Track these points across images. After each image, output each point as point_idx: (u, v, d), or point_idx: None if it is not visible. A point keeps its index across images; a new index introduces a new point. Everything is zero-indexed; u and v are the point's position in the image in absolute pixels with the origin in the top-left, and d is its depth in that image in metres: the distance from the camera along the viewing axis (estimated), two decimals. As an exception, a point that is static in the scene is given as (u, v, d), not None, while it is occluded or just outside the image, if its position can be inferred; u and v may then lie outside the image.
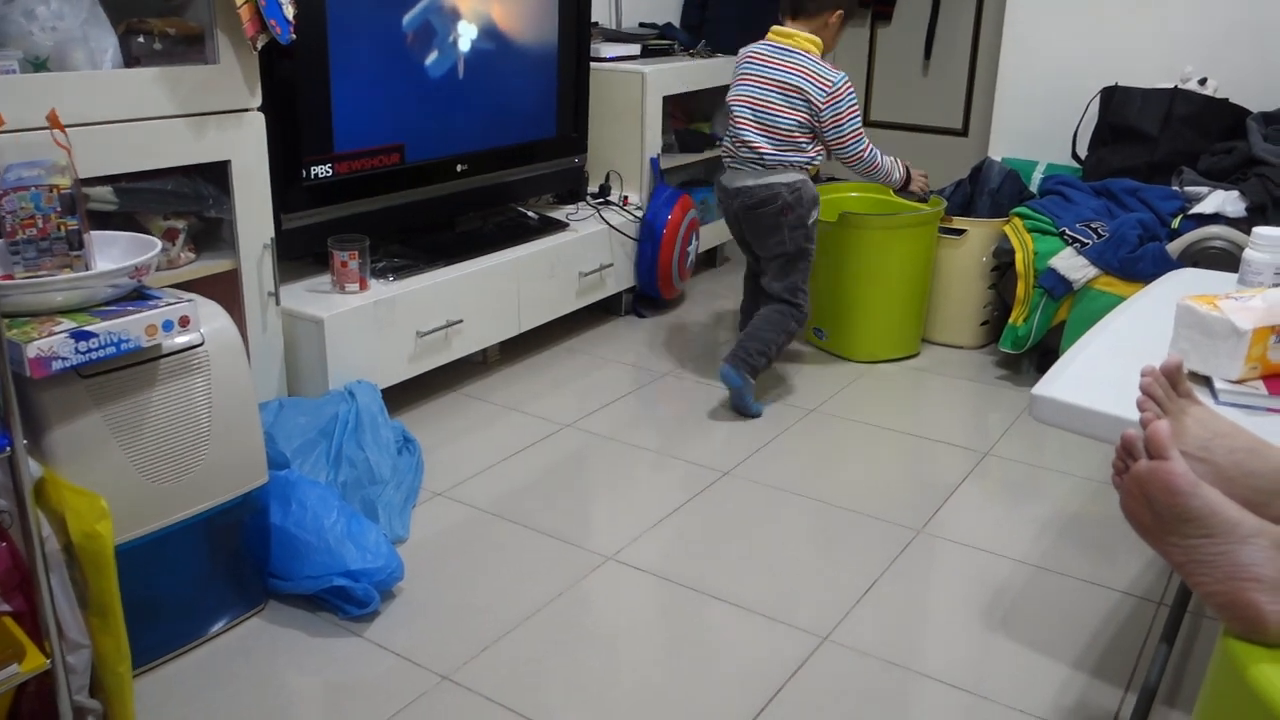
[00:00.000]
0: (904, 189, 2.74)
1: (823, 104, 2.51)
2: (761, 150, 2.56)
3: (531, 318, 2.89)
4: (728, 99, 2.69)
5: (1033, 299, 2.74)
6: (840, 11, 2.59)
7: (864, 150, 2.59)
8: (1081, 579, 1.94)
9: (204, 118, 1.98)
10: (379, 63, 2.49)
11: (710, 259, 3.91)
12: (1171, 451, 1.01)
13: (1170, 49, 3.10)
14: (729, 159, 2.68)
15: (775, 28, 2.65)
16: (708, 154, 3.69)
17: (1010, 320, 2.80)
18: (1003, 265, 2.90)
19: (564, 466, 2.36)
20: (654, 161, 3.32)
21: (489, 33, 2.78)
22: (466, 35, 2.70)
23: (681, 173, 3.69)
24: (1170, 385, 1.12)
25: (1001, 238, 2.86)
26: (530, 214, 3.10)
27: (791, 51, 2.56)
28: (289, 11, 1.99)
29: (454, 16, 2.65)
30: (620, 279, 3.23)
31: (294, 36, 2.01)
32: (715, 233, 3.80)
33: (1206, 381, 1.35)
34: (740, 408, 2.62)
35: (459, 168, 2.78)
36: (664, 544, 2.05)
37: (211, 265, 2.11)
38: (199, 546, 1.67)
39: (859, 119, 2.56)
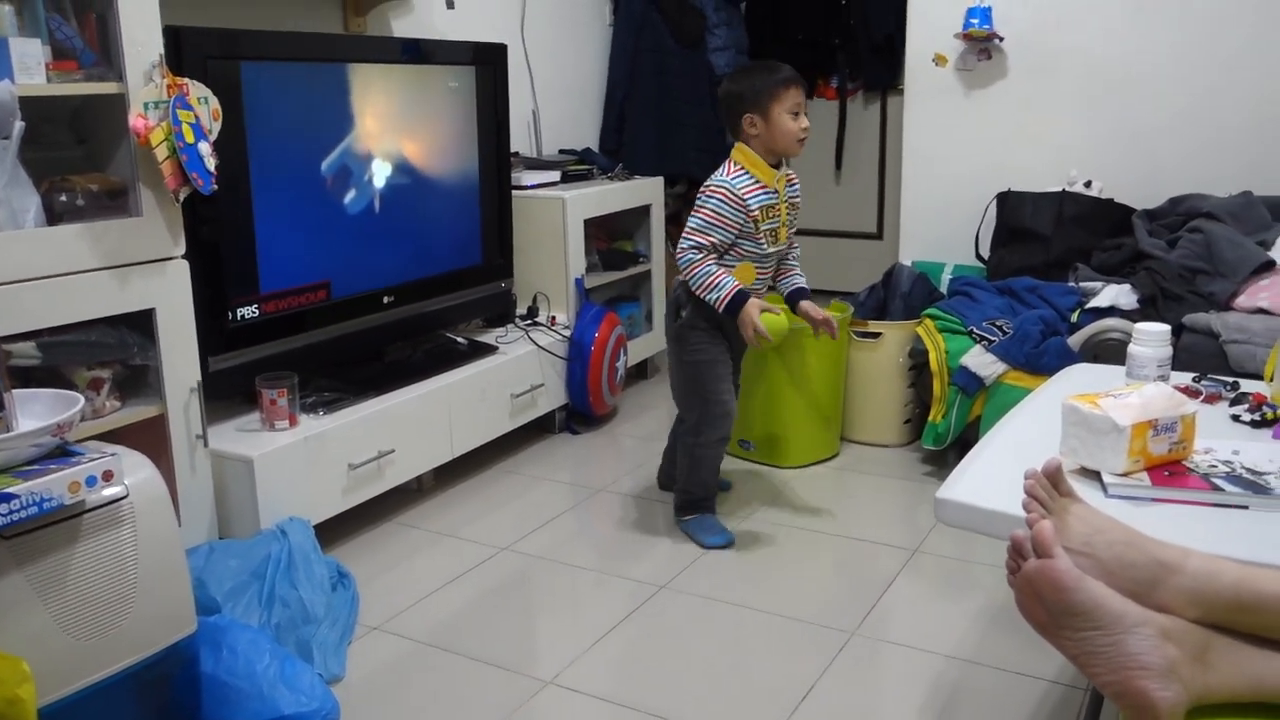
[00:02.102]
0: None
1: None
2: None
3: (465, 441, 2.92)
4: None
5: (949, 396, 2.85)
6: (748, 114, 2.42)
7: (681, 251, 2.42)
8: (1012, 670, 1.99)
9: (127, 269, 2.02)
10: (302, 204, 2.57)
11: (642, 371, 3.99)
12: (1056, 550, 1.08)
13: (1057, 155, 3.32)
14: None
15: None
16: (632, 270, 3.80)
17: (929, 418, 2.90)
18: (919, 365, 3.02)
19: (501, 591, 2.36)
20: (578, 282, 3.41)
21: (408, 170, 2.88)
22: (385, 174, 2.80)
23: (607, 290, 3.79)
24: (1052, 485, 1.19)
25: (915, 339, 2.98)
26: (459, 339, 3.16)
27: None
28: (210, 163, 2.06)
29: (372, 157, 2.75)
30: (552, 397, 3.29)
31: (216, 187, 2.07)
32: (645, 345, 3.89)
33: (1097, 475, 1.43)
34: (704, 545, 2.54)
35: (386, 299, 2.83)
36: (604, 664, 2.05)
37: (138, 412, 2.12)
38: (127, 702, 1.64)
39: (701, 221, 2.40)
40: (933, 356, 2.88)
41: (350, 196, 2.70)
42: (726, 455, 3.11)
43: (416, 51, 2.92)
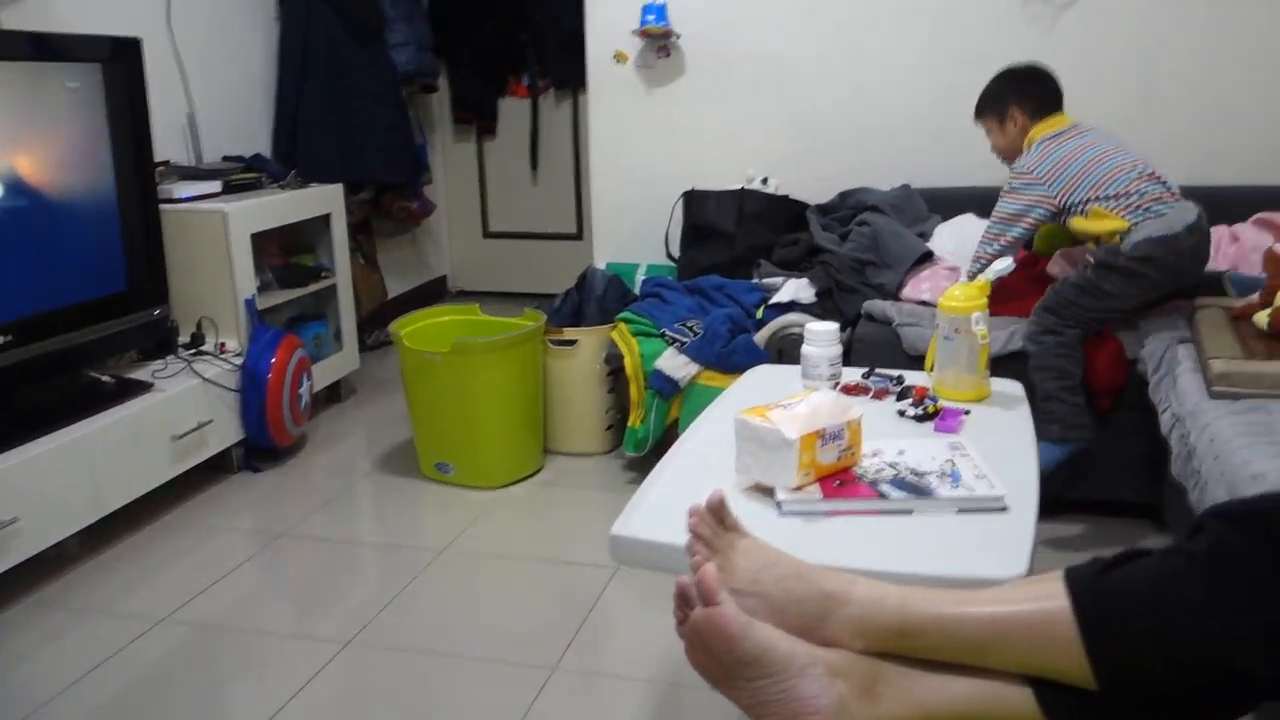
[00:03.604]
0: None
1: None
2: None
3: (116, 496, 2.54)
4: (1079, 156, 2.38)
5: (646, 400, 2.80)
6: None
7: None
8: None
9: None
10: None
11: (334, 394, 3.70)
12: (720, 595, 0.99)
13: (736, 152, 3.37)
14: (1156, 203, 2.30)
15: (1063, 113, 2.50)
16: (314, 286, 3.50)
17: (629, 423, 2.85)
18: (616, 370, 2.96)
19: (164, 670, 2.05)
20: (249, 303, 3.09)
21: (20, 187, 2.46)
22: (-9, 191, 2.38)
23: (288, 309, 3.47)
24: (717, 521, 1.11)
25: (610, 344, 2.92)
26: (105, 378, 2.76)
27: None
28: None
29: (-29, 172, 2.32)
30: (225, 434, 2.95)
31: None
32: (336, 366, 3.61)
33: (771, 492, 1.38)
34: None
35: (1, 339, 2.41)
36: (277, 743, 1.82)
37: None
38: None
39: None
40: (628, 361, 2.82)
41: (-60, 221, 2.26)
42: (425, 481, 2.93)
43: (20, 46, 2.50)
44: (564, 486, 2.94)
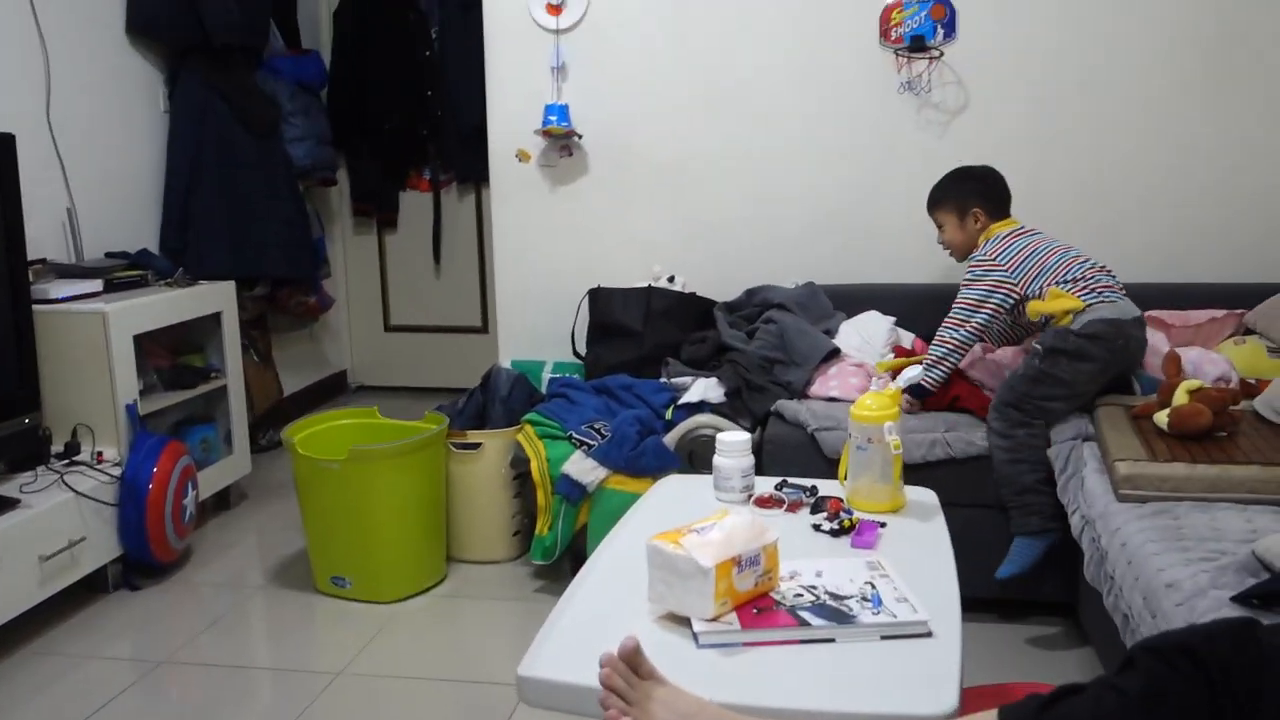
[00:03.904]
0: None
1: None
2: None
3: (-28, 626, 2.33)
4: (1037, 249, 2.50)
5: (554, 506, 2.71)
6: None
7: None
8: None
9: None
10: None
11: (223, 501, 3.51)
12: (637, 759, 0.91)
13: (642, 250, 3.35)
14: (1107, 290, 2.43)
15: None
16: (203, 388, 3.34)
17: (536, 530, 2.74)
18: (522, 474, 2.86)
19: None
20: (130, 408, 2.91)
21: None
22: None
23: (174, 413, 3.30)
24: (631, 669, 1.03)
25: (516, 446, 2.83)
26: (-35, 495, 2.55)
27: None
28: None
29: None
30: (100, 551, 2.75)
31: None
32: (226, 471, 3.42)
33: (687, 622, 1.31)
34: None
35: None
36: None
37: None
38: None
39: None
40: (534, 465, 2.73)
41: None
42: (320, 596, 2.78)
43: (-119, 144, 2.35)
44: (469, 598, 2.81)
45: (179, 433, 3.28)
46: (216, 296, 3.40)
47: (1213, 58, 2.98)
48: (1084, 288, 2.42)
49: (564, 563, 2.86)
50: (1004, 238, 2.53)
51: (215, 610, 2.75)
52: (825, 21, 3.17)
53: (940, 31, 3.11)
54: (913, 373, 1.73)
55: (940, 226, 2.67)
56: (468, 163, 4.60)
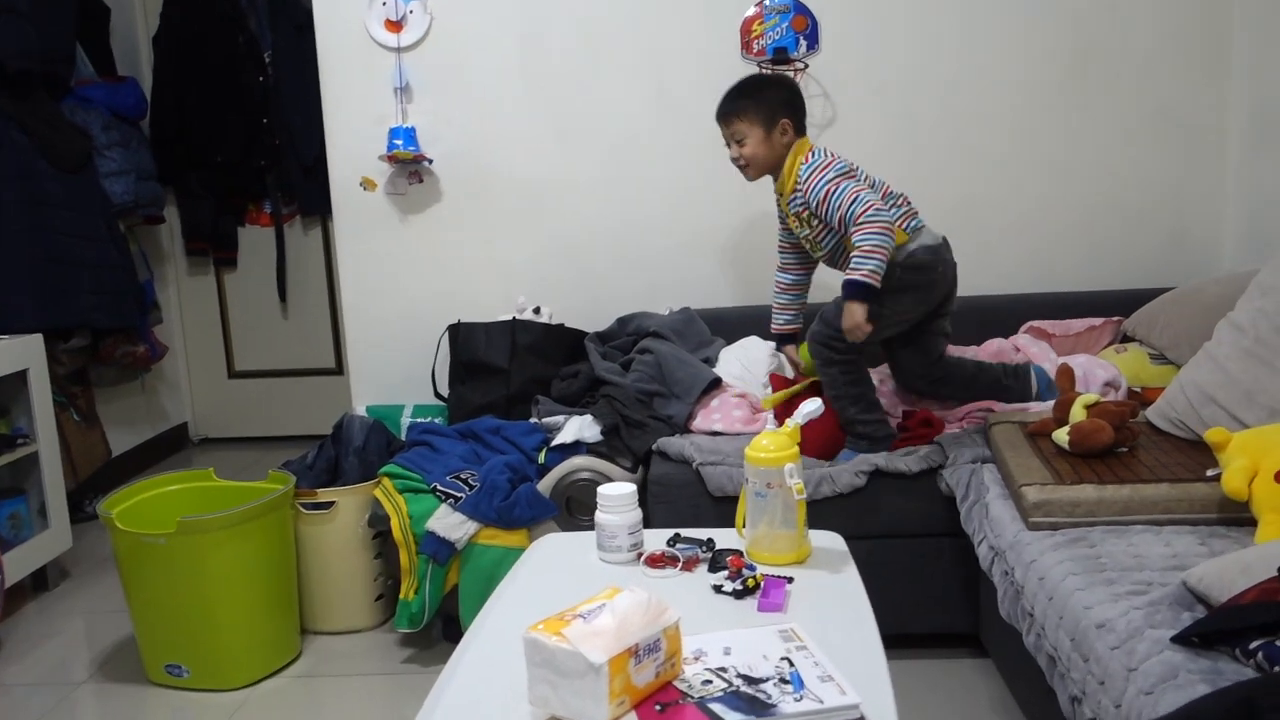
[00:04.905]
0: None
1: None
2: None
3: None
4: (857, 173, 2.34)
5: (419, 567, 2.44)
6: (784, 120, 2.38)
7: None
8: None
9: None
10: None
11: (40, 583, 3.08)
12: None
13: (503, 281, 3.13)
14: (917, 217, 2.36)
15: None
16: (8, 457, 2.93)
17: (400, 595, 2.47)
18: (382, 532, 2.59)
19: None
20: (-87, 490, 2.50)
21: None
22: None
23: (-27, 488, 2.88)
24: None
25: (374, 503, 2.55)
26: None
27: None
28: None
29: None
30: (-121, 660, 2.34)
31: None
32: (40, 549, 3.01)
33: (577, 728, 1.09)
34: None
35: None
36: None
37: None
38: None
39: None
40: (395, 524, 2.46)
41: None
42: (154, 688, 2.45)
43: None
44: (328, 675, 2.50)
45: (-21, 511, 2.87)
46: (21, 352, 3.00)
47: (1070, 70, 2.97)
48: (903, 214, 2.32)
49: (433, 628, 2.59)
50: (826, 151, 2.34)
51: (29, 715, 2.37)
52: (684, 36, 3.03)
53: (803, 43, 3.00)
54: (811, 407, 1.56)
55: (739, 140, 2.35)
56: (311, 194, 4.28)
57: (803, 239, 2.45)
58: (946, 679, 2.28)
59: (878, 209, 2.22)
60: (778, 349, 2.67)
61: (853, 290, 2.20)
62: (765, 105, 2.33)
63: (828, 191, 2.27)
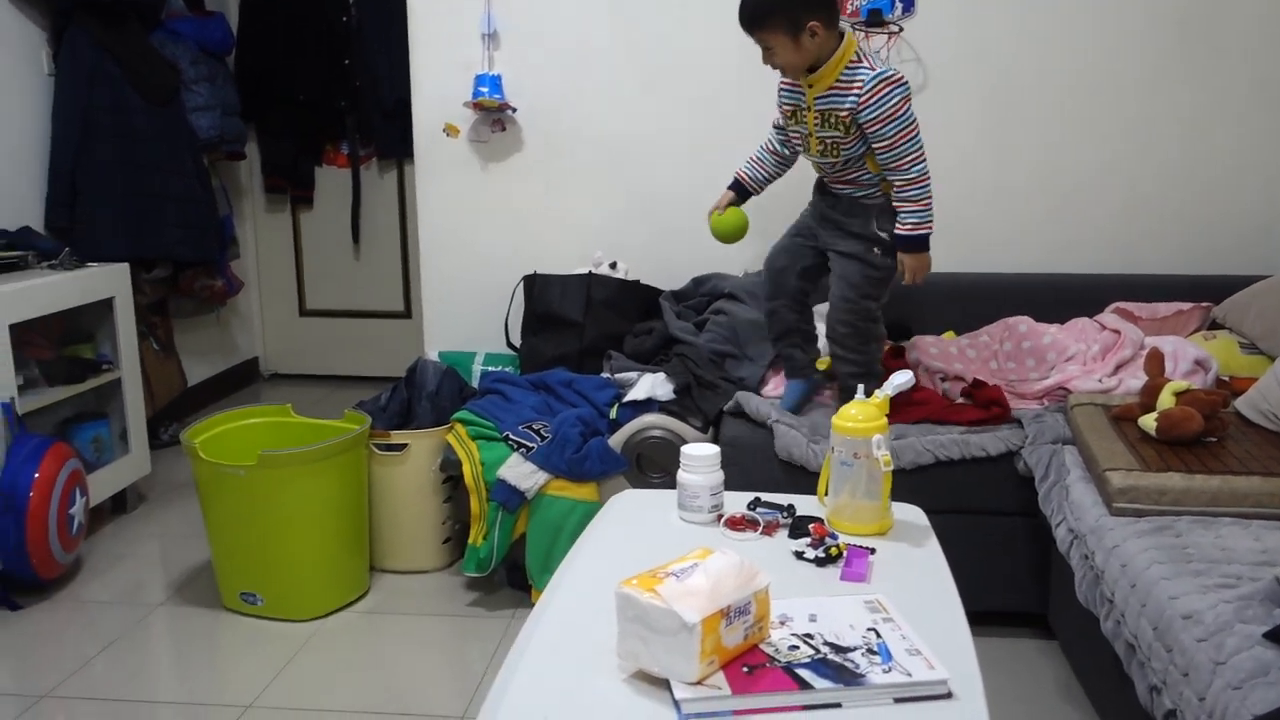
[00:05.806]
0: None
1: None
2: None
3: None
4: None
5: (489, 514, 2.48)
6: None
7: None
8: None
9: None
10: None
11: (120, 505, 3.19)
12: None
13: (580, 234, 3.13)
14: None
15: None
16: (93, 382, 3.01)
17: (469, 540, 2.51)
18: (453, 477, 2.63)
19: None
20: (5, 408, 2.59)
21: None
22: None
23: (61, 409, 2.97)
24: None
25: (446, 448, 2.59)
26: None
27: None
28: None
29: None
30: (-28, 569, 2.44)
31: None
32: (121, 473, 3.11)
33: (666, 682, 1.10)
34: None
35: None
36: None
37: None
38: None
39: None
40: (467, 469, 2.50)
41: None
42: (228, 614, 2.52)
43: None
44: (395, 613, 2.56)
45: (66, 432, 2.96)
46: (108, 280, 3.08)
47: (1171, 39, 2.86)
48: None
49: (498, 574, 2.64)
50: (870, 55, 2.17)
51: (108, 633, 2.46)
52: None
53: (899, 6, 2.94)
54: (901, 379, 1.55)
55: (768, 49, 2.17)
56: (389, 137, 4.32)
57: (813, 139, 2.24)
58: (1012, 659, 2.27)
59: (918, 158, 2.16)
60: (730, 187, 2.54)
61: (920, 243, 2.21)
62: (787, 11, 2.11)
63: (897, 111, 2.11)
